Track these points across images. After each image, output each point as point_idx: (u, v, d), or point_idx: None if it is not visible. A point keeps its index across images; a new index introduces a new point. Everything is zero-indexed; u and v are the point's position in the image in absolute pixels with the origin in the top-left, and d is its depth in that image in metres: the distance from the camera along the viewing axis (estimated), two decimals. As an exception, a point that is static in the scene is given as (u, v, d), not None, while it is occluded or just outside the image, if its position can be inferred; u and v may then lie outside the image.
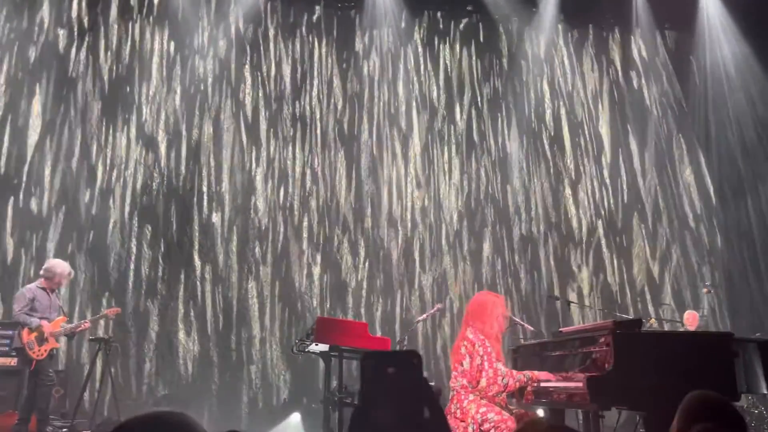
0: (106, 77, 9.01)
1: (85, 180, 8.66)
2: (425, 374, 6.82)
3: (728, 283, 9.40)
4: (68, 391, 7.26)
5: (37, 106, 8.72)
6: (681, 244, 9.66)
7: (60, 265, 6.46)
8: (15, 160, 8.50)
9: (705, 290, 8.90)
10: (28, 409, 5.95)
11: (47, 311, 6.25)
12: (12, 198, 8.35)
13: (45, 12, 8.98)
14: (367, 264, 9.06)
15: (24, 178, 8.46)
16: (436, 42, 10.07)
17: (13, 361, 6.90)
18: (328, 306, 8.80)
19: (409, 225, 9.31)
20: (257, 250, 8.88)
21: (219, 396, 8.23)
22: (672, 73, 10.14)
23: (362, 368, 1.05)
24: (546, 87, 10.07)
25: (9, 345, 6.86)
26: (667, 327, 8.62)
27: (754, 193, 9.41)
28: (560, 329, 4.67)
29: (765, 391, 3.99)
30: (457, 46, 10.08)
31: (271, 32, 9.65)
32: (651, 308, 9.25)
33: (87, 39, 9.05)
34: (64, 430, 6.30)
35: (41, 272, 6.41)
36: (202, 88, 9.25)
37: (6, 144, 8.50)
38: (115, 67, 9.07)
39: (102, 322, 7.88)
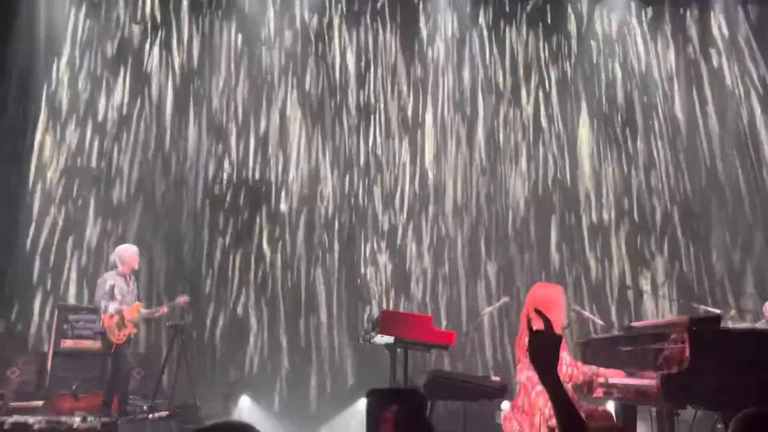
0: (178, 71, 9.32)
1: (160, 171, 9.02)
2: (491, 363, 6.77)
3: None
4: (149, 373, 7.63)
5: (115, 100, 9.11)
6: (765, 230, 9.15)
7: (125, 249, 6.78)
8: (97, 152, 8.93)
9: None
10: (110, 391, 6.30)
11: (126, 297, 6.58)
12: (95, 189, 8.79)
13: (121, 9, 9.34)
14: (431, 252, 9.05)
15: (105, 170, 8.88)
16: (501, 25, 9.85)
17: (98, 345, 7.33)
18: (393, 294, 8.86)
19: (475, 213, 9.21)
20: (324, 238, 9.02)
21: (288, 380, 8.46)
22: (756, 50, 9.54)
23: (367, 404, 1.05)
24: (618, 68, 9.69)
25: (93, 329, 7.29)
26: (749, 318, 8.21)
27: None
28: (631, 324, 4.52)
29: None
30: (524, 29, 9.83)
31: (336, 21, 9.70)
32: (731, 298, 8.82)
33: (160, 34, 9.37)
34: (145, 407, 6.60)
35: (111, 260, 6.75)
36: (268, 78, 9.42)
37: (88, 137, 8.94)
38: (186, 62, 9.36)
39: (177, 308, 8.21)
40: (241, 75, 9.39)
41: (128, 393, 6.47)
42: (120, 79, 9.15)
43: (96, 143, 8.93)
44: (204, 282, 8.72)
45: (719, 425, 4.82)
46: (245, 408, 7.46)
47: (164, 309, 6.89)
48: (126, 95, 9.12)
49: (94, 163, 8.86)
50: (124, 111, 9.08)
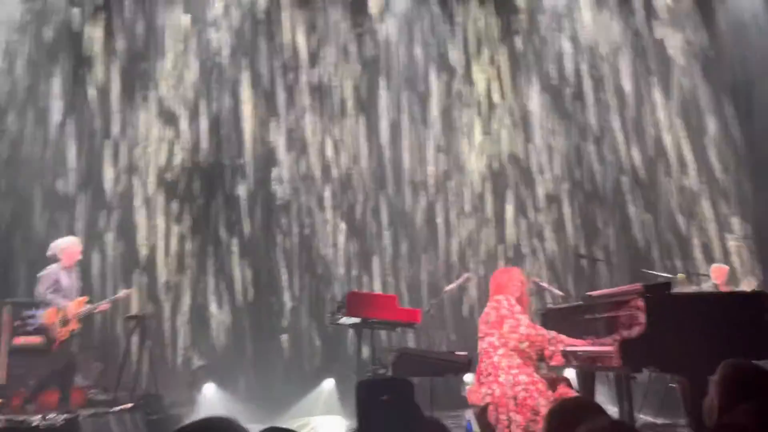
0: (122, 55, 9.01)
1: (109, 159, 8.76)
2: (453, 337, 6.90)
3: (758, 234, 9.25)
4: (108, 366, 7.49)
5: (56, 87, 8.77)
6: (709, 196, 9.51)
7: (65, 241, 6.53)
8: (40, 141, 8.60)
9: (734, 242, 8.79)
10: (62, 386, 6.11)
11: (69, 292, 6.34)
12: (39, 180, 8.48)
13: (58, -9, 8.95)
14: (391, 230, 9.10)
15: (49, 160, 8.57)
16: (451, 1, 9.84)
17: (39, 340, 7.07)
18: (354, 274, 8.89)
19: (432, 189, 9.28)
20: (282, 221, 8.96)
21: (253, 365, 8.44)
22: (697, 20, 9.80)
23: (357, 395, 1.07)
24: (566, 41, 9.82)
25: (34, 325, 7.03)
26: (695, 281, 8.57)
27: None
28: (589, 293, 4.68)
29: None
30: (474, 4, 9.84)
31: (284, 0, 9.51)
32: (679, 263, 9.17)
33: (101, 17, 9.01)
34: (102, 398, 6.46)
35: (50, 254, 6.41)
36: (217, 60, 9.21)
37: (31, 126, 8.60)
38: (130, 45, 9.05)
39: (135, 298, 8.07)
40: (189, 56, 9.15)
41: (70, 388, 6.24)
42: (60, 65, 8.80)
43: (39, 132, 8.60)
44: (161, 270, 8.57)
45: (671, 385, 5.06)
46: (210, 394, 7.42)
47: (105, 305, 6.63)
48: (68, 81, 8.78)
49: (38, 154, 8.54)
50: (67, 98, 8.75)
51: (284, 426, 1.75)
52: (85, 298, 6.49)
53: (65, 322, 6.15)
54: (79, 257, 6.65)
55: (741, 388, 2.00)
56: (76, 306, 6.28)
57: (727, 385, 2.07)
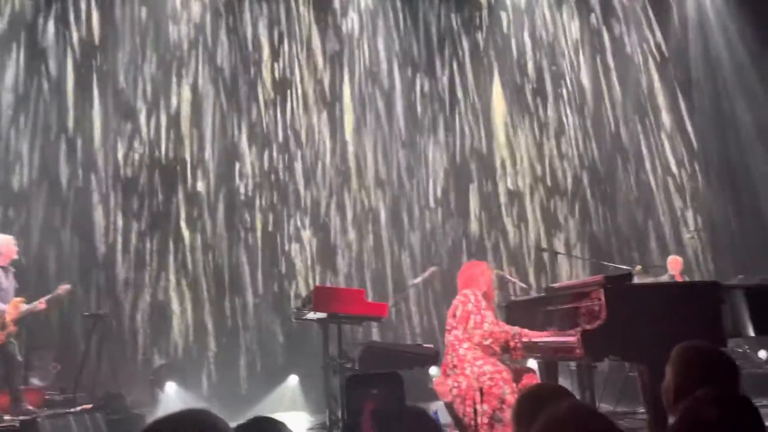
0: (77, 47, 8.76)
1: (65, 154, 8.52)
2: (418, 330, 6.93)
3: (711, 226, 9.57)
4: (66, 366, 7.30)
5: (8, 80, 8.48)
6: (664, 190, 9.79)
7: None
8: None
9: (688, 235, 9.07)
10: (9, 389, 5.85)
11: (7, 293, 6.00)
12: (-9, 175, 8.20)
13: (8, -20, 8.65)
14: (356, 225, 9.10)
15: (3, 155, 8.29)
16: (414, -4, 9.87)
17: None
18: (319, 269, 8.86)
19: (396, 184, 9.31)
20: (245, 217, 8.86)
21: (216, 362, 8.34)
22: (652, 18, 10.06)
23: (346, 393, 1.08)
24: (527, 38, 9.97)
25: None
26: (651, 273, 8.80)
27: (734, 137, 9.50)
28: (551, 285, 4.77)
29: (752, 334, 4.12)
30: (436, 1, 9.89)
31: (246, -8, 9.39)
32: (636, 255, 9.42)
33: (55, 7, 8.75)
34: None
35: None
36: (177, 54, 9.04)
37: (-20, 120, 8.31)
38: (86, 36, 8.81)
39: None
40: (147, 50, 8.96)
41: (17, 391, 5.94)
42: (13, 57, 8.51)
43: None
44: (120, 268, 8.39)
45: (630, 374, 5.19)
46: (172, 393, 7.30)
47: (42, 305, 6.14)
48: (21, 74, 8.50)
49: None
50: (20, 91, 8.47)
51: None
52: (22, 300, 6.09)
53: (2, 326, 5.84)
54: (15, 256, 6.37)
55: (698, 369, 2.06)
56: (12, 308, 5.89)
57: (684, 367, 2.12)
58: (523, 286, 5.92)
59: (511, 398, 3.83)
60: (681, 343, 2.35)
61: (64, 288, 6.42)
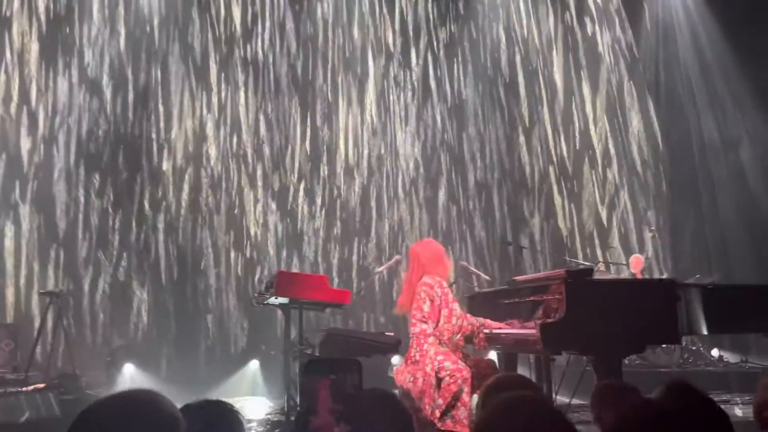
0: (43, 16, 8.49)
1: (26, 127, 8.27)
2: (382, 320, 6.93)
3: (672, 226, 9.77)
4: (19, 344, 7.13)
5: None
6: (629, 189, 9.95)
7: None
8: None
9: (649, 234, 9.24)
10: None
11: None
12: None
13: (-29, -56, 8.32)
14: (323, 212, 9.05)
15: (-41, 125, 8.02)
16: (391, -16, 9.81)
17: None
18: (284, 255, 8.80)
19: (366, 173, 9.28)
20: (210, 199, 8.74)
21: (176, 345, 8.24)
22: (625, 19, 10.18)
23: (303, 376, 1.06)
24: (502, 32, 10.00)
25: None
26: (613, 270, 8.97)
27: (699, 139, 9.70)
28: (514, 278, 4.81)
29: (705, 332, 4.21)
30: (413, -11, 9.85)
31: (220, -30, 9.20)
32: (599, 252, 9.58)
33: (20, -26, 8.46)
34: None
35: None
36: (147, 29, 8.83)
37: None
38: (52, 6, 8.54)
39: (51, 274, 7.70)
40: (116, 24, 8.73)
41: None
42: (-26, 24, 8.21)
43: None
44: (80, 246, 8.21)
45: (588, 368, 5.28)
46: (130, 375, 7.19)
47: None
48: (-18, 41, 8.21)
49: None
50: (-20, 59, 8.19)
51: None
52: None
53: None
54: None
55: (615, 402, 2.12)
56: None
57: (604, 404, 2.18)
58: (486, 278, 5.96)
59: (467, 398, 3.84)
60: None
61: None
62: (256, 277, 8.56)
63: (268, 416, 5.67)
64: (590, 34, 10.19)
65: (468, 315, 4.30)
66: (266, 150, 9.02)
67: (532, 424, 1.23)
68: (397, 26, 9.71)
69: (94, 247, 8.25)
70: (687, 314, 4.05)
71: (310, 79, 9.31)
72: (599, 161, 9.94)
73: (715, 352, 7.91)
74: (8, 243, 7.96)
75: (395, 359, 6.33)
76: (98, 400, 1.14)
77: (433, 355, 4.00)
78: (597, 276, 7.27)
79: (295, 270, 8.47)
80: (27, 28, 8.41)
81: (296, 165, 9.09)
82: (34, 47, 8.40)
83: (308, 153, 9.15)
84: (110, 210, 8.39)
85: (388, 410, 1.76)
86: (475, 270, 6.07)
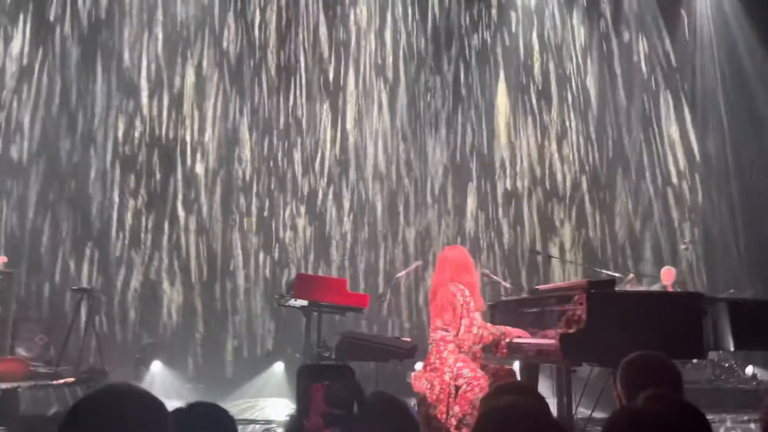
0: (84, 21, 8.75)
1: (66, 127, 8.53)
2: (407, 325, 6.92)
3: (707, 239, 9.53)
4: (52, 339, 7.33)
5: (14, 50, 8.48)
6: (663, 201, 9.74)
7: None
8: (-8, 106, 8.32)
9: (683, 247, 9.04)
10: None
11: None
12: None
13: (19, -49, 8.63)
14: (351, 216, 9.09)
15: (3, 125, 8.30)
16: (424, -10, 9.82)
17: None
18: (312, 258, 8.86)
19: (395, 178, 9.30)
20: (241, 201, 8.87)
21: (203, 345, 8.37)
22: (662, 26, 9.99)
23: (297, 381, 1.07)
24: (535, 39, 9.92)
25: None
26: (645, 282, 8.78)
27: (736, 150, 9.45)
28: (537, 287, 4.76)
29: (732, 348, 4.11)
30: (446, -4, 9.84)
31: (256, -24, 9.36)
32: (630, 263, 9.39)
33: (65, -20, 8.74)
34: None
35: None
36: (184, 34, 9.03)
37: (-17, 90, 8.31)
38: (94, 11, 8.80)
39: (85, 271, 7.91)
40: (154, 28, 8.94)
41: None
42: (20, 27, 8.51)
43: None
44: (114, 245, 8.41)
45: (610, 381, 5.19)
46: (157, 372, 7.32)
47: None
48: (26, 45, 8.50)
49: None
50: (24, 62, 8.47)
51: (228, 406, 1.71)
52: None
53: None
54: None
55: (643, 376, 2.06)
56: None
57: (629, 374, 2.13)
58: (509, 286, 5.89)
59: None
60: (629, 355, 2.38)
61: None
62: (284, 279, 8.64)
63: (288, 417, 5.69)
64: (626, 42, 10.03)
65: (489, 324, 4.26)
66: (296, 154, 9.11)
67: (528, 429, 1.22)
68: (429, 32, 9.71)
69: (127, 246, 8.44)
70: (714, 329, 3.95)
71: (342, 84, 9.38)
72: (633, 171, 9.76)
73: (749, 370, 7.68)
74: (45, 240, 8.19)
75: (418, 365, 6.31)
76: (81, 399, 1.17)
77: (452, 363, 3.99)
78: (628, 288, 7.17)
79: (321, 274, 8.53)
80: (69, 32, 8.67)
81: (326, 169, 9.16)
82: (75, 51, 8.65)
83: (338, 157, 9.21)
84: (143, 210, 8.58)
85: (394, 414, 1.75)
86: (497, 278, 6.01)
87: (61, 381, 5.51)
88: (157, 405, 1.15)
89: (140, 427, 1.07)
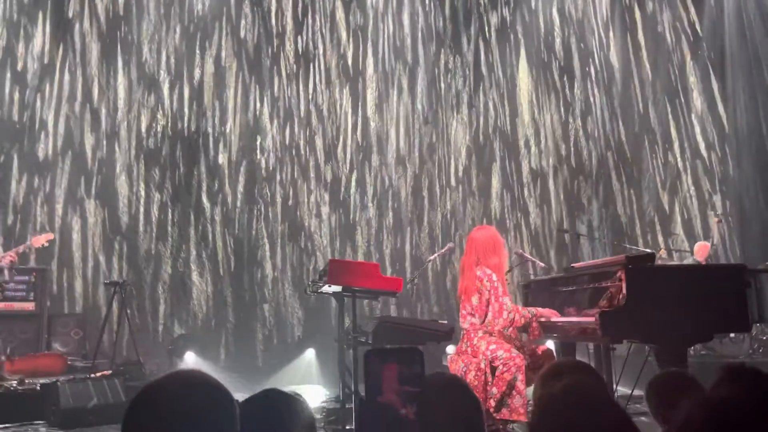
0: (102, 17, 8.77)
1: (90, 124, 8.58)
2: (435, 309, 6.89)
3: (739, 211, 9.33)
4: (87, 333, 7.43)
5: (35, 48, 8.53)
6: (692, 174, 9.56)
7: None
8: (18, 104, 8.39)
9: (716, 220, 8.86)
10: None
11: None
12: (17, 143, 8.29)
13: (35, -51, 8.65)
14: (375, 202, 9.06)
15: (27, 123, 8.37)
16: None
17: (31, 306, 7.08)
18: (338, 245, 8.86)
19: (418, 161, 9.23)
20: (265, 190, 8.87)
21: (234, 334, 8.43)
22: (687, -3, 9.74)
23: (366, 362, 1.03)
24: (556, 14, 9.73)
25: (26, 289, 7.01)
26: (676, 257, 8.64)
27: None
28: (572, 265, 4.68)
29: (776, 320, 4.00)
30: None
31: (270, -36, 9.29)
32: (661, 239, 9.25)
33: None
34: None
35: None
36: (201, 25, 9.01)
37: (7, 88, 8.38)
38: (111, 6, 8.81)
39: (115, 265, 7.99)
40: (171, 21, 8.93)
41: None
42: (39, 26, 8.55)
43: (16, 95, 8.38)
44: (142, 238, 8.48)
45: (650, 358, 5.10)
46: (191, 363, 7.39)
47: (10, 257, 5.94)
48: (47, 43, 8.54)
49: (15, 117, 8.33)
50: (46, 60, 8.53)
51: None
52: None
53: None
54: None
55: (672, 393, 2.02)
56: None
57: (659, 396, 2.08)
58: (542, 265, 5.83)
59: (521, 386, 3.76)
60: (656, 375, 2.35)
61: (42, 237, 6.37)
62: (311, 267, 8.65)
63: (324, 404, 5.72)
64: (649, 13, 9.80)
65: (520, 307, 4.19)
66: (318, 141, 9.08)
67: (589, 412, 1.17)
68: (447, 12, 9.58)
69: (154, 239, 8.50)
70: (758, 301, 3.85)
71: (361, 68, 9.30)
72: (660, 145, 9.57)
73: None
74: (75, 236, 8.28)
75: (450, 348, 6.29)
76: (156, 379, 1.15)
77: (484, 349, 3.94)
78: (659, 264, 7.05)
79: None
80: (88, 28, 8.70)
81: (348, 155, 9.12)
82: (95, 47, 8.68)
83: (360, 143, 9.16)
84: (169, 203, 8.63)
85: (457, 392, 1.73)
86: (531, 257, 5.94)
87: (99, 374, 5.57)
88: (223, 393, 1.13)
89: (207, 413, 1.05)
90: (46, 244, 6.66)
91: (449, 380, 1.72)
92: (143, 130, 8.70)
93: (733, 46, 9.48)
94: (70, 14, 8.66)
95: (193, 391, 1.10)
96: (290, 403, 1.36)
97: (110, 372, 5.83)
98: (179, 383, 1.12)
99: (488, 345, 3.94)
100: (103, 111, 8.64)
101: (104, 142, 8.58)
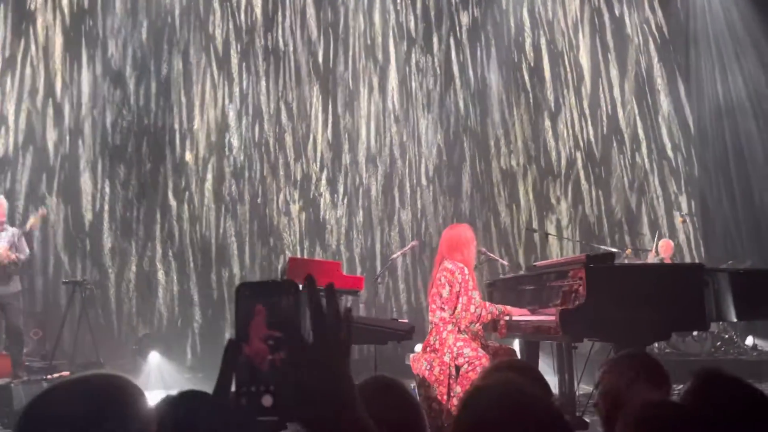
0: (66, 10, 8.57)
1: (52, 119, 8.39)
2: (405, 308, 6.86)
3: (703, 211, 9.48)
4: (48, 334, 7.25)
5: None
6: (659, 174, 9.67)
7: None
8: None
9: (680, 219, 8.98)
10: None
11: None
12: (-24, 139, 8.06)
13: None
14: (345, 200, 9.00)
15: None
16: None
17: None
18: (307, 243, 8.78)
19: (388, 160, 9.20)
20: (233, 188, 8.76)
21: (201, 334, 8.30)
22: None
23: (236, 301, 0.95)
24: (526, 15, 9.78)
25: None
26: (643, 256, 8.74)
27: (732, 122, 9.36)
28: (535, 263, 4.69)
29: (734, 319, 4.06)
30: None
31: (240, -41, 9.17)
32: (628, 238, 9.35)
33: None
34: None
35: None
36: (169, 20, 8.86)
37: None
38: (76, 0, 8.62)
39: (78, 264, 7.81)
40: (138, 15, 8.76)
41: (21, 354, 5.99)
42: (0, 18, 8.33)
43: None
44: (106, 236, 8.31)
45: (611, 356, 5.14)
46: (155, 363, 7.27)
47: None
48: (8, 35, 8.32)
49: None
50: (7, 53, 8.31)
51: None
52: None
53: None
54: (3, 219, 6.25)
55: (635, 373, 1.98)
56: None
57: (624, 372, 2.02)
58: (506, 264, 5.84)
59: None
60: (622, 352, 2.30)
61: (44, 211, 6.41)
62: (279, 265, 8.56)
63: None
64: (618, 15, 9.90)
65: (488, 303, 4.19)
66: (288, 139, 8.99)
67: (516, 407, 1.14)
68: (418, 11, 9.56)
69: (119, 237, 8.34)
70: (716, 300, 3.89)
71: (332, 66, 9.24)
72: (628, 145, 9.67)
73: (749, 341, 7.66)
74: (37, 233, 8.07)
75: (418, 347, 6.26)
76: (55, 384, 1.06)
77: (452, 343, 3.93)
78: (626, 262, 7.12)
79: (318, 259, 8.46)
80: (51, 21, 8.49)
81: (318, 154, 9.05)
82: (59, 40, 8.48)
83: (330, 141, 9.10)
84: (135, 200, 8.47)
85: (393, 397, 1.67)
86: (494, 256, 5.95)
87: (56, 375, 5.44)
88: (127, 397, 1.04)
89: (96, 420, 0.97)
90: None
91: (384, 385, 1.66)
92: (108, 125, 8.52)
93: (698, 48, 9.63)
94: (32, 7, 8.45)
95: (82, 397, 1.01)
96: (205, 403, 1.28)
97: (69, 373, 5.69)
98: (67, 390, 1.03)
99: (456, 341, 3.93)
100: (67, 106, 8.44)
101: (68, 138, 8.39)
